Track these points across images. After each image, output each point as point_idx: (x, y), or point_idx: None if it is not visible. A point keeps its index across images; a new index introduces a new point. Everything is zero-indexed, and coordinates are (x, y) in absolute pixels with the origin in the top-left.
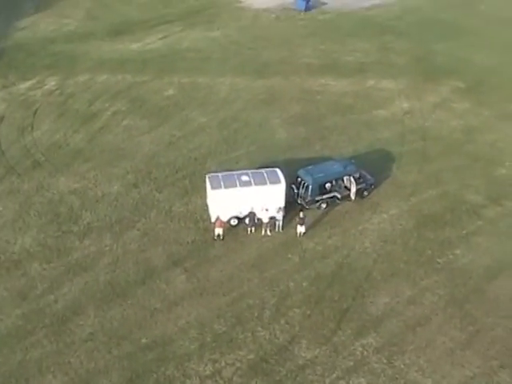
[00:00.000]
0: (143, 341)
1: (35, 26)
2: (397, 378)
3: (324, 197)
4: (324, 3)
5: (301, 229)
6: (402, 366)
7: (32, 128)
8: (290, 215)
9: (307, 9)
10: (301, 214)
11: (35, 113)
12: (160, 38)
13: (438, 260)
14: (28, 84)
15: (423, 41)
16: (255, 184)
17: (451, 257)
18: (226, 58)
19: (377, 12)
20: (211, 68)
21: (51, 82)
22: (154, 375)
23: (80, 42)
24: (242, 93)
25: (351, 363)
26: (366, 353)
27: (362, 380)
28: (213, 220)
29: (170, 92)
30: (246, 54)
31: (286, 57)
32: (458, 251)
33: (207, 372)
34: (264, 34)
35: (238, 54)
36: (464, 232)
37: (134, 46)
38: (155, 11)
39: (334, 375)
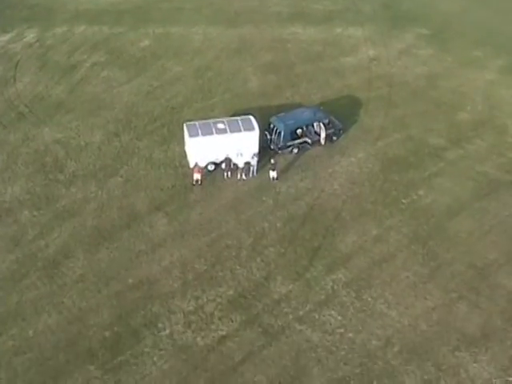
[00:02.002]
0: (130, 281)
1: None
2: (364, 310)
3: (295, 142)
4: None
5: (273, 174)
6: (370, 299)
7: (14, 80)
8: (264, 160)
9: None
10: (272, 160)
11: (16, 65)
12: None
13: (403, 200)
14: (7, 37)
15: None
16: (231, 131)
17: (415, 197)
18: (199, 7)
19: None
20: (184, 18)
21: (30, 35)
22: (142, 312)
23: None
24: (215, 42)
25: (323, 297)
26: (336, 287)
27: (333, 312)
28: (191, 166)
29: (146, 43)
30: (218, 4)
31: (256, 6)
32: (421, 192)
33: (190, 308)
34: None
35: (210, 3)
36: (427, 174)
37: None
38: None
39: (307, 308)
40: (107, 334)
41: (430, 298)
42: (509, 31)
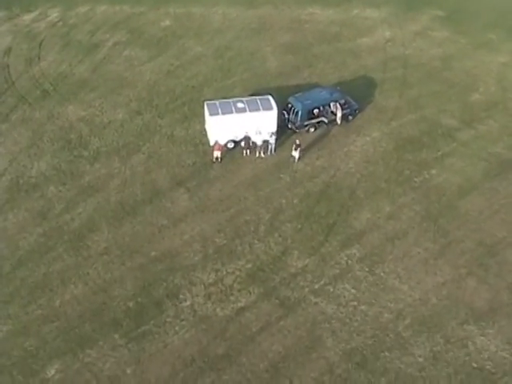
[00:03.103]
0: (153, 254)
1: None
2: (377, 284)
3: (312, 121)
4: None
5: (295, 154)
6: (382, 274)
7: (39, 59)
8: (282, 139)
9: None
10: (297, 141)
11: (40, 44)
12: None
13: (415, 179)
14: (31, 16)
15: None
16: (250, 110)
17: (427, 176)
18: None
19: None
20: None
21: (53, 14)
22: (164, 283)
23: None
24: (234, 22)
25: (337, 271)
26: (350, 262)
27: (347, 286)
28: (211, 144)
29: (167, 22)
30: None
31: None
32: (433, 171)
33: (210, 280)
34: None
35: None
36: (439, 153)
37: None
38: None
39: (322, 282)
40: (131, 304)
41: (440, 274)
42: None
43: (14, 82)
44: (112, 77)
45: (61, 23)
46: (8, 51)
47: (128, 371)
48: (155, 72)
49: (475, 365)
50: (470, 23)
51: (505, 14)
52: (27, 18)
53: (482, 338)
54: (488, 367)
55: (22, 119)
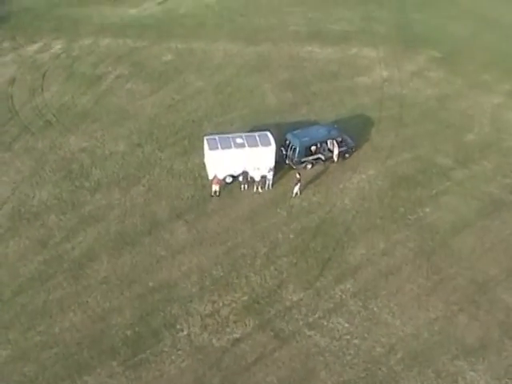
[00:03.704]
0: (151, 284)
1: None
2: (370, 319)
3: (309, 158)
4: None
5: (296, 189)
6: (375, 309)
7: (42, 90)
8: (279, 174)
9: None
10: (297, 176)
11: (44, 75)
12: (157, 4)
13: (410, 217)
14: (35, 47)
15: (403, 10)
16: (248, 146)
17: (421, 214)
18: (220, 24)
19: None
20: (206, 34)
21: (57, 46)
22: (162, 313)
23: (81, 5)
24: (234, 58)
25: (331, 305)
26: (344, 296)
27: (341, 320)
28: (210, 178)
29: (169, 57)
30: (238, 21)
31: (275, 24)
32: (427, 209)
33: (207, 311)
34: (254, 1)
35: (230, 20)
36: (434, 192)
37: (133, 11)
38: None
39: (317, 315)
40: (129, 333)
41: (433, 310)
42: None
43: (17, 112)
44: (114, 109)
45: (64, 55)
46: (12, 81)
47: None
48: (156, 105)
49: None
50: (466, 64)
51: (499, 55)
52: (31, 48)
53: (472, 373)
54: None
55: (25, 148)
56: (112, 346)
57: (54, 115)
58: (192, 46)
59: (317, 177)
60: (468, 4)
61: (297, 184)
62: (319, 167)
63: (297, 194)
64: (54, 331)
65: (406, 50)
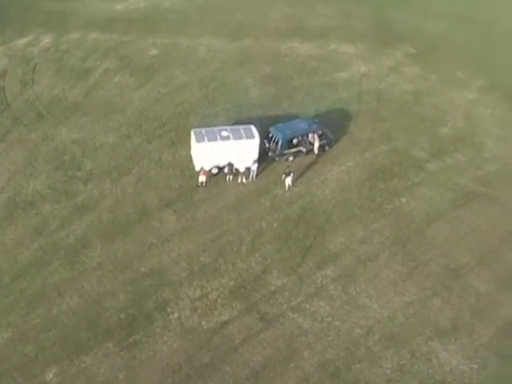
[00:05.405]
0: (142, 269)
1: None
2: (350, 302)
3: (291, 150)
4: None
5: (288, 181)
6: (354, 293)
7: (33, 82)
8: (262, 166)
9: None
10: (287, 169)
11: (34, 68)
12: None
13: (386, 206)
14: (25, 40)
15: (381, 7)
16: (233, 138)
17: (397, 204)
18: (204, 19)
19: None
20: (190, 29)
21: (46, 39)
22: (153, 297)
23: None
24: (218, 53)
25: (313, 290)
26: (325, 282)
27: (322, 303)
28: (197, 169)
29: (154, 51)
30: (221, 16)
31: (256, 19)
32: (403, 199)
33: (196, 295)
34: None
35: (213, 15)
36: (409, 183)
37: (119, 6)
38: None
39: (299, 299)
40: (123, 315)
41: (408, 294)
42: (489, 53)
43: (9, 104)
44: (103, 102)
45: (53, 48)
46: (3, 74)
47: (120, 376)
48: (144, 99)
49: (438, 377)
50: (440, 61)
51: (472, 52)
52: (21, 42)
53: (444, 353)
54: (449, 380)
55: (18, 140)
56: (107, 327)
57: (46, 107)
58: (176, 41)
59: (298, 168)
60: (443, 2)
61: (287, 177)
62: (300, 159)
63: (289, 186)
64: (52, 314)
65: (383, 46)
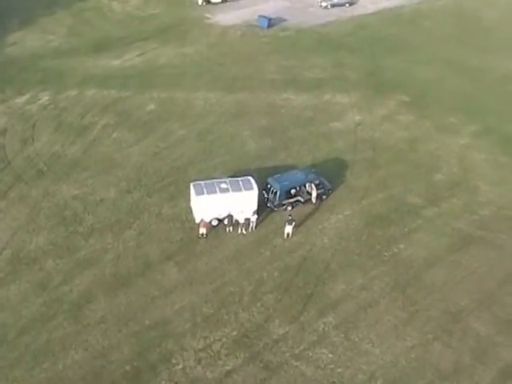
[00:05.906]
0: (146, 322)
1: (23, 42)
2: (352, 349)
3: (289, 201)
4: (284, 20)
5: (288, 229)
6: (356, 339)
7: (33, 140)
8: (261, 217)
9: (269, 26)
10: (289, 217)
11: (34, 126)
12: (138, 55)
13: (385, 253)
14: (24, 99)
15: (373, 56)
16: (232, 190)
17: (395, 250)
18: (199, 73)
19: (331, 28)
20: (186, 84)
21: (44, 97)
22: (158, 349)
23: (65, 57)
24: (214, 107)
25: (315, 337)
26: (327, 329)
27: (324, 350)
28: (197, 221)
29: (152, 107)
30: (217, 70)
31: (251, 72)
32: (401, 246)
33: (200, 346)
34: (231, 51)
35: (209, 69)
36: (406, 229)
37: (115, 62)
38: (132, 28)
39: (302, 347)
40: (128, 368)
41: (409, 339)
42: (480, 99)
43: (10, 162)
44: (102, 158)
45: (52, 106)
46: (3, 132)
47: None
48: (142, 154)
49: None
50: (433, 108)
51: (464, 98)
52: (20, 100)
53: None
54: None
55: (20, 197)
56: (112, 380)
57: (46, 164)
58: (173, 96)
59: (297, 218)
60: (434, 49)
61: (289, 225)
62: (299, 209)
63: (288, 234)
64: (57, 368)
65: (377, 95)
